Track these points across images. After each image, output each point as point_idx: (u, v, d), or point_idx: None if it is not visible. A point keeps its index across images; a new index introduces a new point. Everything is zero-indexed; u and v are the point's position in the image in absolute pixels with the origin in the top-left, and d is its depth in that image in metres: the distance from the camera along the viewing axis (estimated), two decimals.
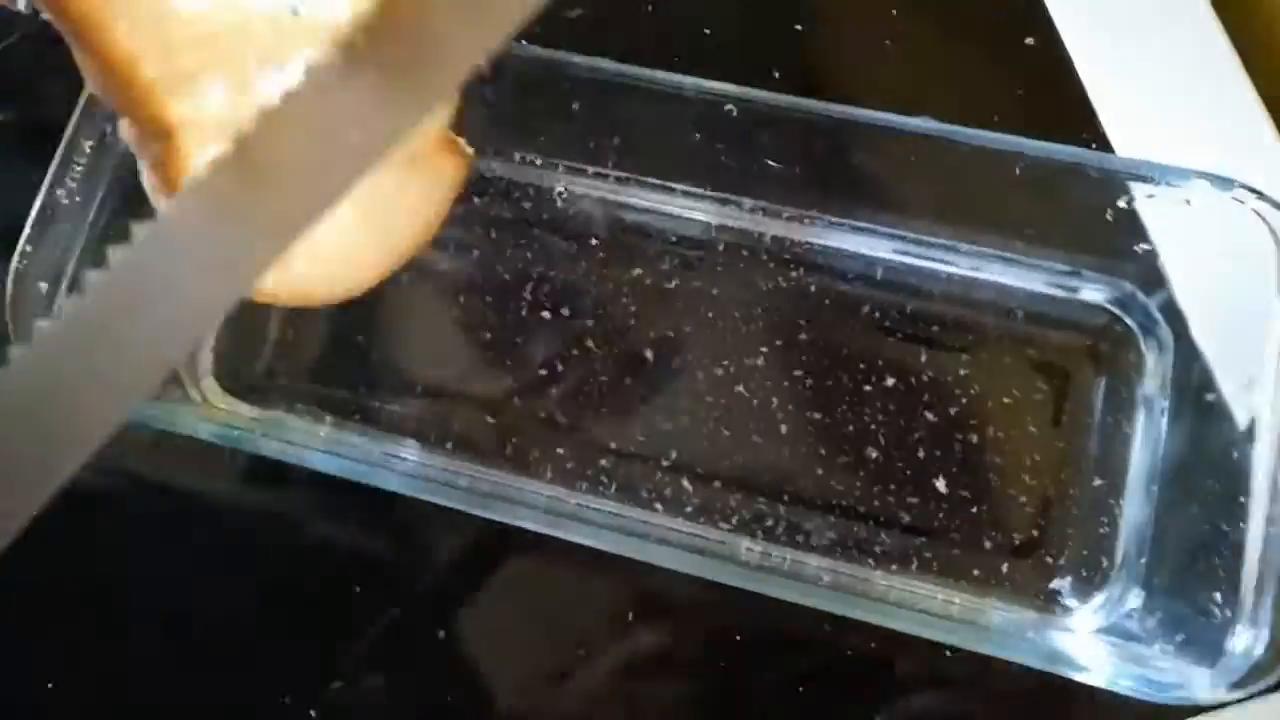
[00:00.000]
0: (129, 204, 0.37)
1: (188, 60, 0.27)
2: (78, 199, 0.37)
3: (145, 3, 0.26)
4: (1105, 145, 0.42)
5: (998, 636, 0.35)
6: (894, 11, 0.45)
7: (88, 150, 0.37)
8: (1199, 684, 0.32)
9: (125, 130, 0.29)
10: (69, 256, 0.37)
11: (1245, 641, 0.32)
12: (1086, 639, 0.36)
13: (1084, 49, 0.44)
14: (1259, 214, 0.34)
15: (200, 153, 0.28)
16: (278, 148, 0.20)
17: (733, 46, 0.45)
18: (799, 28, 0.46)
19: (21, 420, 0.18)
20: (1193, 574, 0.35)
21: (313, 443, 0.39)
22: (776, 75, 0.44)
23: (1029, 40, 0.44)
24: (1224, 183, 0.35)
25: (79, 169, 0.37)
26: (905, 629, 0.34)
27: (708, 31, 0.45)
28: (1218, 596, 0.33)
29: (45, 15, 0.29)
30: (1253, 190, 0.35)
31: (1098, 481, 0.39)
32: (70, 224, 0.37)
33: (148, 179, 0.29)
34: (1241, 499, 0.34)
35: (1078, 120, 0.43)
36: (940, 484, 0.39)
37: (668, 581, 0.35)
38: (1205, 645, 0.33)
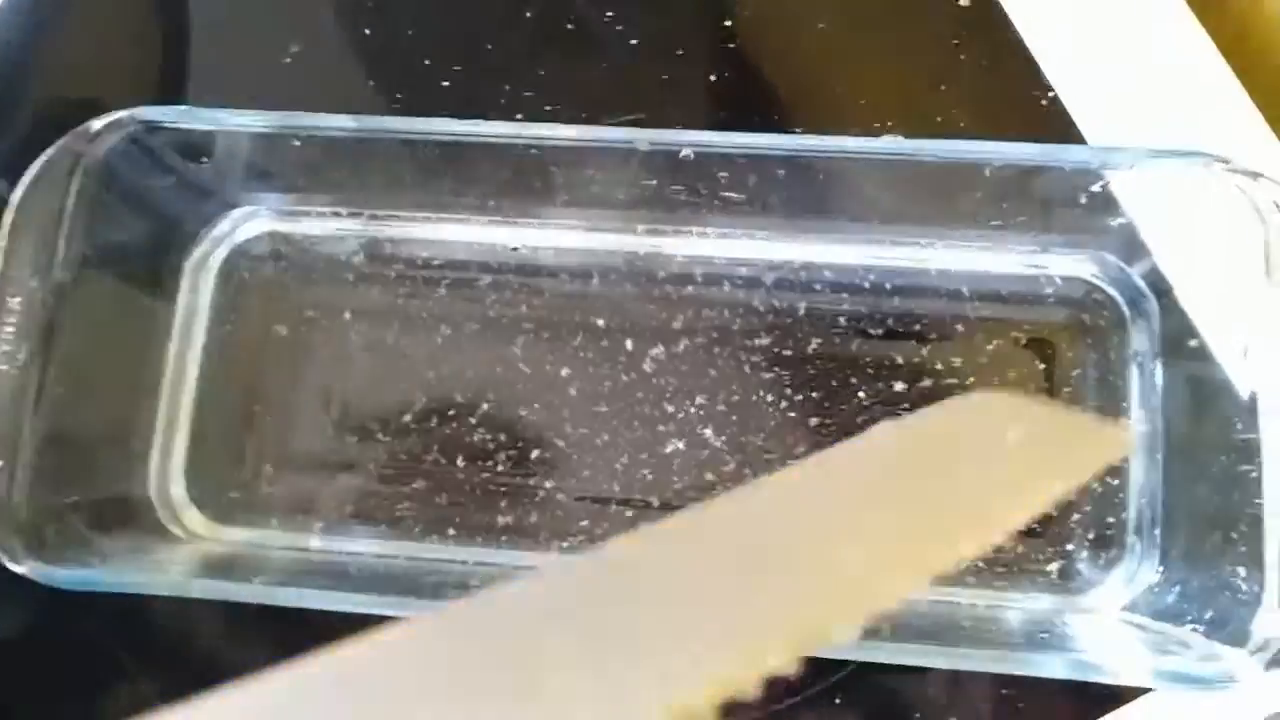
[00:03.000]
0: (70, 359, 0.36)
1: None
2: (19, 359, 0.35)
3: None
4: (1066, 116, 0.41)
5: (1023, 654, 0.35)
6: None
7: (16, 309, 0.35)
8: (1237, 666, 0.32)
9: None
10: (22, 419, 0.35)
11: (1276, 619, 0.32)
12: (1113, 626, 0.37)
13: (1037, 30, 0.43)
14: (1240, 188, 0.34)
15: None
16: None
17: (686, 86, 0.43)
18: (729, 45, 0.44)
19: None
20: (1211, 546, 0.35)
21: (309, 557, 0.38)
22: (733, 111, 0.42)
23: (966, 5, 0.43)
24: (1197, 158, 0.34)
25: (9, 330, 0.35)
26: (936, 664, 0.34)
27: (665, 77, 0.43)
28: (1241, 570, 0.34)
29: None
30: (1224, 160, 0.34)
31: None
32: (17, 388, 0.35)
33: None
34: (1253, 473, 0.34)
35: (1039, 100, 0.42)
36: None
37: None
38: (1237, 622, 0.33)
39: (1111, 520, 0.38)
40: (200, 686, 0.15)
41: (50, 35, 0.46)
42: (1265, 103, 0.41)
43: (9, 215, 0.35)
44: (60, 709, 0.40)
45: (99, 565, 0.35)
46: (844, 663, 0.38)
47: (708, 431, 0.39)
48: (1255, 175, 0.34)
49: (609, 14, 0.43)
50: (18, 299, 0.35)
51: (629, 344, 0.40)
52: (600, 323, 0.40)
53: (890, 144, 0.35)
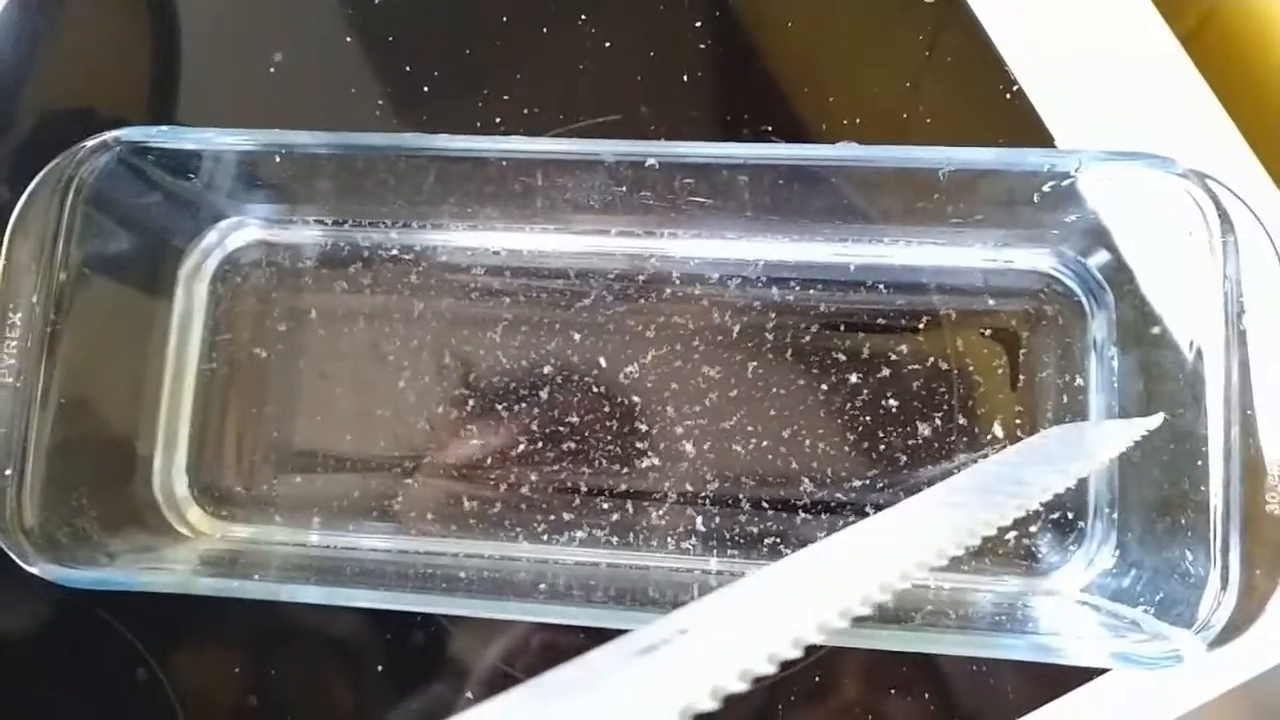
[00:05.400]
0: (72, 368, 0.37)
1: None
2: (22, 371, 0.36)
3: None
4: (1031, 110, 0.43)
5: (987, 637, 0.36)
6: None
7: (18, 323, 0.36)
8: (1183, 646, 0.34)
9: None
10: (29, 428, 0.37)
11: (1219, 602, 0.34)
12: (1071, 607, 0.38)
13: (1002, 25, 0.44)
14: (1185, 190, 0.35)
15: None
16: None
17: (661, 87, 0.44)
18: (702, 46, 0.45)
19: None
20: (1162, 530, 0.37)
21: (309, 551, 0.40)
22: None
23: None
24: (1145, 159, 0.35)
25: (12, 343, 0.36)
26: (907, 647, 0.36)
27: (640, 79, 0.44)
28: (1189, 555, 0.35)
29: None
30: (1171, 160, 0.35)
31: None
32: (22, 398, 0.37)
33: None
34: (1200, 461, 0.35)
35: (1004, 94, 0.43)
36: (913, 466, 0.40)
37: None
38: (1184, 605, 0.35)
39: (1073, 504, 0.40)
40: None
41: (44, 47, 0.47)
42: (1223, 92, 0.42)
43: (6, 237, 0.36)
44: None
45: (108, 564, 0.37)
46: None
47: (687, 444, 0.41)
48: (1201, 175, 0.35)
49: (583, 18, 0.45)
50: (19, 314, 0.36)
51: (609, 345, 0.42)
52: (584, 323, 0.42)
53: (851, 151, 0.36)
